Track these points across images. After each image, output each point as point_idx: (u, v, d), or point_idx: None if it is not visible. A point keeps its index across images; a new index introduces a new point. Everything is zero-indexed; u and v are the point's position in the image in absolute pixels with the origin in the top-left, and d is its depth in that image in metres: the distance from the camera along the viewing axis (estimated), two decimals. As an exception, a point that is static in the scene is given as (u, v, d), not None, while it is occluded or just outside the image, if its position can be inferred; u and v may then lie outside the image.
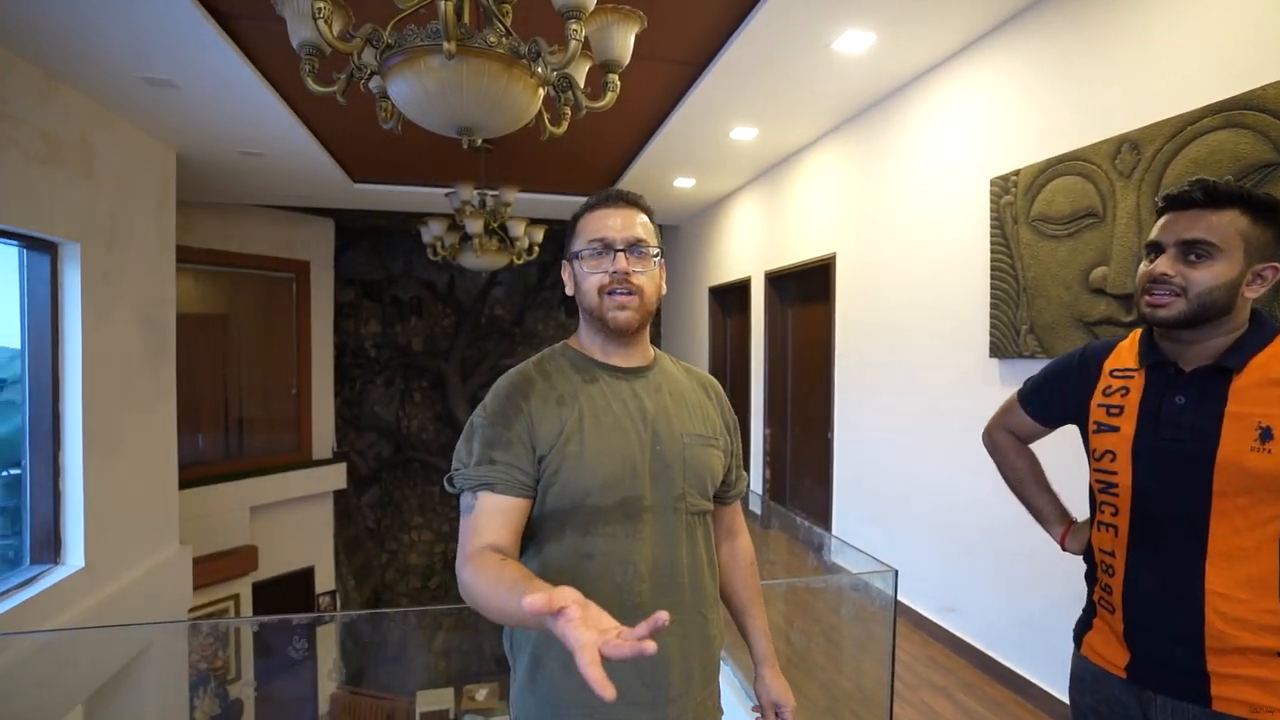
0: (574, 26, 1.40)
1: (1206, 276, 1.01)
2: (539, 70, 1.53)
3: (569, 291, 1.10)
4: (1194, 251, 1.02)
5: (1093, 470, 1.16)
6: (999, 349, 2.71)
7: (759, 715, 1.21)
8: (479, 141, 1.93)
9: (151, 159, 4.01)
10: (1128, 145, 2.13)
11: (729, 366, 6.01)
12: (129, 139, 3.75)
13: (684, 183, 5.32)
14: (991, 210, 2.75)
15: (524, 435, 1.01)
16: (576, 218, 1.10)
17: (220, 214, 6.02)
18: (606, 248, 1.04)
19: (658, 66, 3.25)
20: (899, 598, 3.34)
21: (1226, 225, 1.00)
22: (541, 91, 1.64)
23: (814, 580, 2.94)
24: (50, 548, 3.30)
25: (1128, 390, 1.12)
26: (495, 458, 1.00)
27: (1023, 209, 2.59)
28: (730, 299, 5.94)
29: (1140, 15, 2.16)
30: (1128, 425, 1.10)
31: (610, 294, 1.03)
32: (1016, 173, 2.61)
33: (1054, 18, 2.49)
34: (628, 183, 5.23)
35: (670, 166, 4.89)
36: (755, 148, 4.41)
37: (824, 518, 4.16)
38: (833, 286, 4.04)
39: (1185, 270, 1.02)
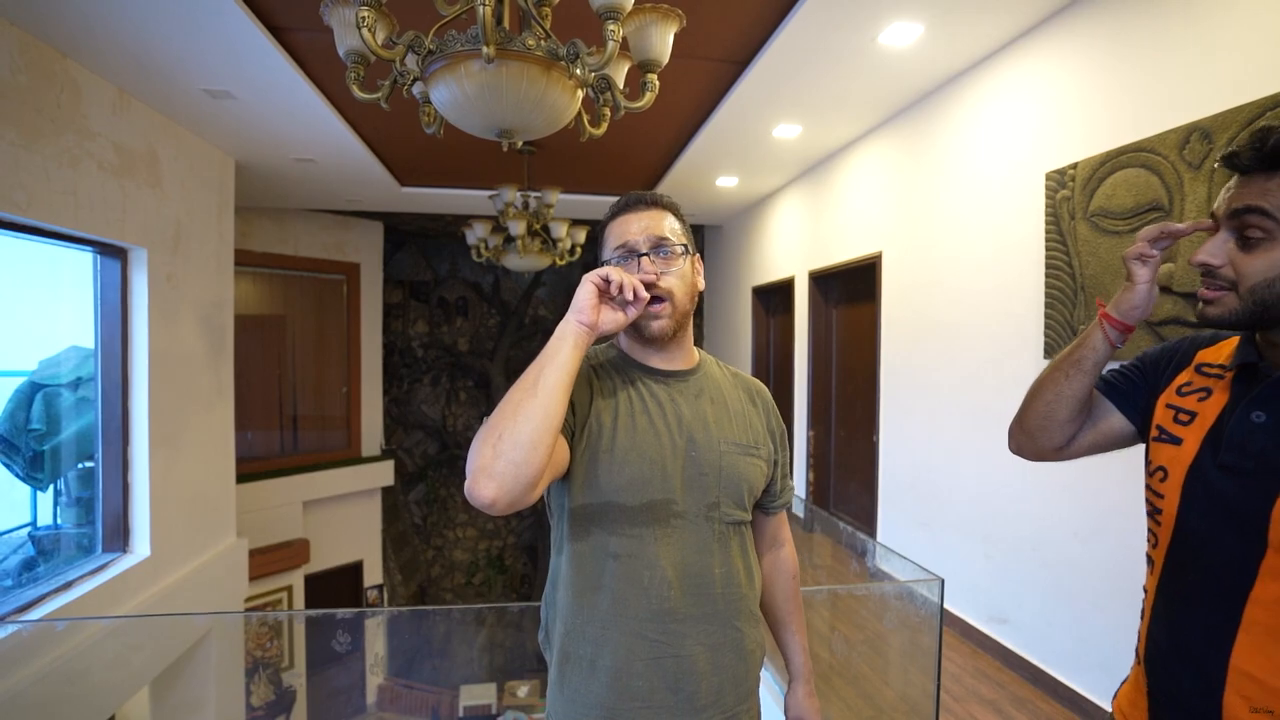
0: (612, 27, 1.40)
1: (1261, 265, 0.78)
2: (577, 72, 1.53)
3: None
4: (1248, 228, 0.78)
5: (1146, 486, 0.94)
6: (1054, 350, 2.60)
7: None
8: (520, 144, 1.96)
9: (212, 167, 4.19)
10: (1198, 134, 2.01)
11: (772, 367, 5.94)
12: (192, 149, 3.93)
13: (726, 182, 5.28)
14: (1047, 205, 2.64)
15: (569, 398, 0.96)
16: (605, 223, 1.10)
17: (275, 219, 6.26)
18: (630, 253, 1.03)
19: (699, 65, 3.23)
20: (946, 606, 3.24)
21: None
22: (580, 93, 1.64)
23: (856, 588, 2.87)
24: (120, 537, 3.48)
25: (1208, 394, 0.87)
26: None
27: (1080, 203, 2.48)
28: (774, 299, 5.87)
29: (1210, -3, 2.04)
30: (1192, 440, 0.86)
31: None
32: (1074, 166, 2.50)
33: (1112, 2, 2.37)
34: (669, 182, 5.22)
35: (712, 166, 4.86)
36: (798, 145, 4.34)
37: (869, 522, 4.06)
38: (878, 286, 3.95)
39: (1237, 256, 0.80)
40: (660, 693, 0.99)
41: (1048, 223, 2.64)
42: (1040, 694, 2.59)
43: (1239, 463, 0.80)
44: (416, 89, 1.74)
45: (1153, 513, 0.91)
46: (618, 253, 1.04)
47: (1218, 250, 0.82)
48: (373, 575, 7.20)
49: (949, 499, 3.30)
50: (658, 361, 1.09)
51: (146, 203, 3.50)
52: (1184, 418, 0.88)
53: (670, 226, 1.05)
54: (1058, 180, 2.58)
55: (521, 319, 8.49)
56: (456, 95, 1.53)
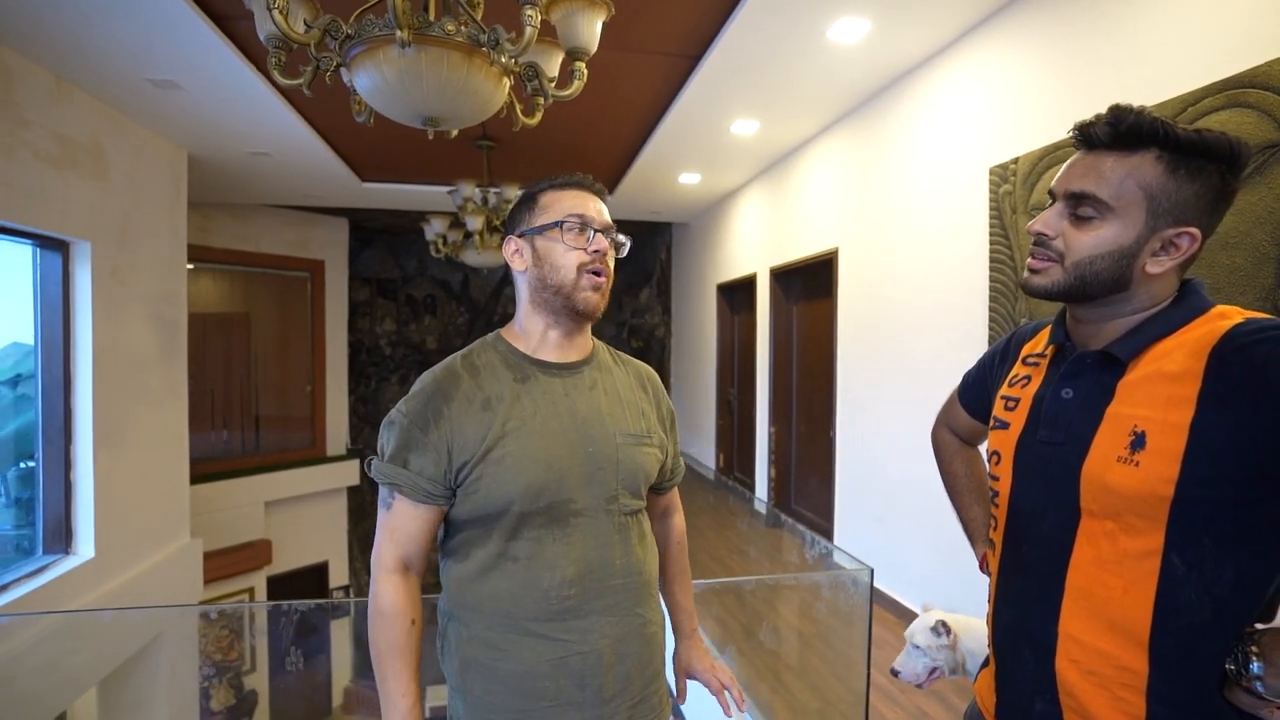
0: (529, 13, 1.39)
1: (1088, 241, 0.79)
2: (501, 59, 1.52)
3: (518, 267, 1.06)
4: (1081, 208, 0.80)
5: (988, 474, 0.98)
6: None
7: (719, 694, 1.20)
8: (453, 133, 1.94)
9: (162, 159, 4.10)
10: (1123, 130, 2.05)
11: (736, 364, 5.97)
12: (139, 140, 3.84)
13: (689, 179, 5.29)
14: (990, 200, 2.68)
15: (440, 443, 0.99)
16: (537, 193, 1.07)
17: (237, 215, 6.14)
18: (587, 224, 1.03)
19: (652, 59, 3.23)
20: (897, 598, 3.28)
21: (1124, 176, 0.76)
22: (506, 81, 1.63)
23: (785, 577, 2.89)
24: (61, 538, 3.39)
25: (1029, 380, 0.92)
26: (409, 461, 0.99)
27: (1022, 198, 2.52)
28: (737, 296, 5.90)
29: (1138, -5, 2.08)
30: (1017, 422, 0.89)
31: (588, 272, 1.03)
32: (1015, 160, 2.54)
33: (1050, 1, 2.41)
34: (632, 178, 5.21)
35: (674, 162, 4.87)
36: (758, 142, 4.36)
37: (827, 517, 4.10)
38: (835, 282, 3.98)
39: (1069, 230, 0.81)
40: (568, 690, 0.99)
41: (991, 217, 2.68)
42: (984, 682, 2.63)
43: (1053, 437, 0.84)
44: (346, 78, 1.71)
45: (993, 497, 0.94)
46: (572, 221, 1.03)
47: (1053, 222, 0.83)
48: (338, 576, 7.10)
49: (901, 492, 3.33)
50: (551, 355, 1.07)
51: (90, 195, 3.42)
52: (1011, 404, 0.93)
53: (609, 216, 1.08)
54: (1000, 175, 2.62)
55: (491, 316, 8.44)
56: (378, 82, 1.51)
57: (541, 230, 1.03)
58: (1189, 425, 0.72)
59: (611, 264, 1.06)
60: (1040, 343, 0.95)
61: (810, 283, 4.54)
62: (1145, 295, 0.81)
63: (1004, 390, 0.96)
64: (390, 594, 0.98)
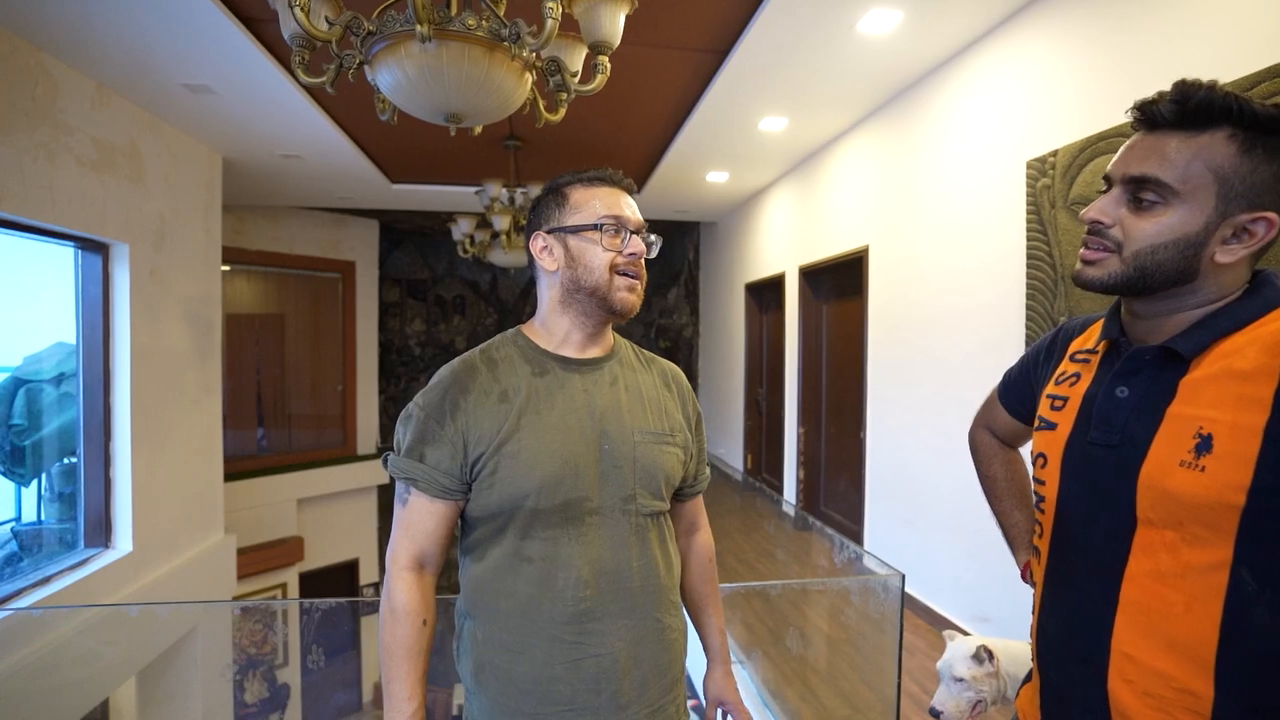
0: (550, 6, 1.37)
1: (1150, 229, 0.73)
2: (522, 53, 1.50)
3: (549, 266, 1.02)
4: (1142, 192, 0.73)
5: (1032, 478, 0.92)
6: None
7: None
8: (477, 130, 1.93)
9: (198, 162, 4.19)
10: (1172, 118, 1.95)
11: (765, 365, 5.89)
12: (175, 144, 3.93)
13: (717, 177, 5.24)
14: (1028, 194, 2.59)
15: (456, 437, 0.97)
16: (565, 188, 1.03)
17: (270, 216, 6.27)
18: (622, 226, 1.01)
19: (678, 55, 3.20)
20: (929, 604, 3.19)
21: (1192, 157, 0.70)
22: (528, 76, 1.61)
23: (812, 582, 2.82)
24: (102, 532, 3.48)
25: (1078, 378, 0.86)
26: (425, 454, 0.98)
27: (1061, 191, 2.42)
28: (766, 295, 5.82)
29: (1188, -23, 1.98)
30: (1065, 422, 0.84)
31: (622, 274, 1.00)
32: (1054, 153, 2.45)
33: (1094, -14, 2.32)
34: (660, 176, 5.18)
35: (701, 160, 4.82)
36: (786, 139, 4.29)
37: (857, 521, 4.01)
38: (865, 280, 3.90)
39: (1127, 218, 0.75)
40: (583, 695, 0.97)
41: (1029, 212, 2.58)
42: (1021, 693, 2.53)
43: (1106, 438, 0.78)
44: (368, 76, 1.72)
45: (1039, 502, 0.89)
46: (608, 221, 1.00)
47: (1109, 209, 0.76)
48: (368, 573, 7.20)
49: (933, 496, 3.24)
50: (572, 351, 1.05)
51: (128, 198, 3.50)
52: (1058, 404, 0.87)
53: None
54: (1038, 168, 2.53)
55: (519, 316, 8.48)
56: (399, 78, 1.50)
57: (576, 230, 1.00)
58: (1263, 428, 0.66)
59: (644, 265, 1.05)
60: (1090, 339, 0.89)
61: (840, 281, 4.46)
62: (1213, 287, 0.74)
63: (1050, 389, 0.91)
64: (403, 592, 0.97)
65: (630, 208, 1.02)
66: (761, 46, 2.99)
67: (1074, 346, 0.92)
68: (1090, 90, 2.34)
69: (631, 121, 4.17)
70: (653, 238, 1.05)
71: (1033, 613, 0.91)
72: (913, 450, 3.44)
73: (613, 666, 0.97)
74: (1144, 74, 2.12)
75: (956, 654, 1.43)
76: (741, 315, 6.13)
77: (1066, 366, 0.90)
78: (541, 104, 1.81)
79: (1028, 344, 2.58)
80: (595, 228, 0.99)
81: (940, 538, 3.19)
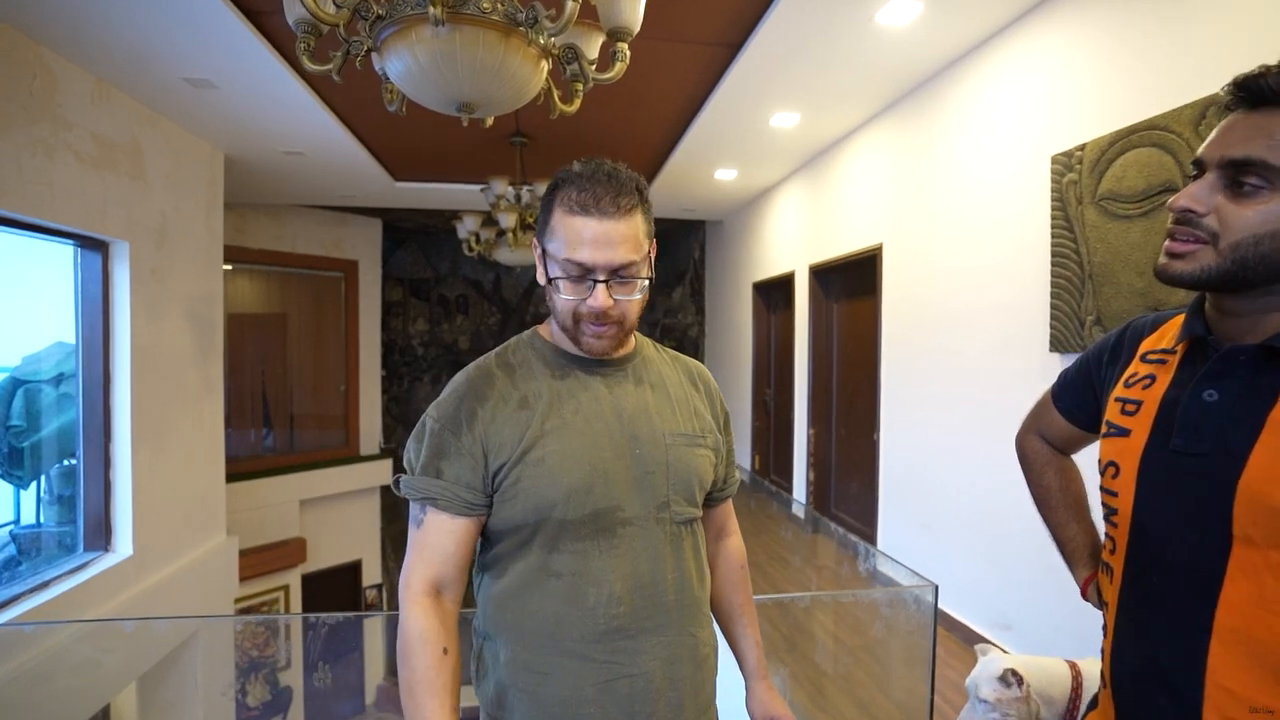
0: (570, -14, 1.29)
1: (1253, 218, 0.66)
2: (539, 40, 1.43)
3: (539, 278, 0.94)
4: (1244, 177, 0.66)
5: (1100, 489, 0.84)
6: (1061, 343, 2.47)
7: None
8: (488, 122, 1.85)
9: (199, 159, 4.12)
10: (1215, 109, 1.87)
11: (773, 365, 5.82)
12: (177, 140, 3.86)
13: (725, 174, 5.17)
14: (1053, 190, 2.51)
15: (475, 447, 0.90)
16: (555, 198, 0.90)
17: (272, 215, 6.20)
18: (585, 273, 0.87)
19: (692, 49, 3.12)
20: (947, 611, 3.11)
21: None
22: (544, 64, 1.54)
23: (842, 594, 2.75)
24: (102, 535, 3.41)
25: (1153, 380, 0.78)
26: (443, 469, 0.90)
27: (1088, 187, 2.35)
28: (774, 295, 5.75)
29: (1226, -38, 1.91)
30: (1140, 429, 0.77)
31: (589, 322, 0.90)
32: (1081, 148, 2.37)
33: (1124, -26, 2.24)
34: (666, 175, 5.11)
35: (710, 157, 4.75)
36: (797, 135, 4.22)
37: (870, 524, 3.94)
38: (879, 279, 3.82)
39: (1225, 205, 0.67)
40: (616, 718, 0.90)
41: (1054, 208, 2.51)
42: (1046, 704, 2.46)
43: (1193, 446, 0.70)
44: (376, 64, 1.65)
45: (1108, 515, 0.82)
46: (568, 268, 0.87)
47: (1203, 195, 0.69)
48: (371, 574, 7.13)
49: (951, 499, 3.17)
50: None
51: (129, 195, 3.44)
52: (1130, 408, 0.80)
53: (635, 242, 0.88)
54: (1064, 163, 2.45)
55: (523, 316, 8.42)
56: (410, 65, 1.43)
57: (545, 259, 0.90)
58: None
59: (626, 307, 0.90)
60: (1165, 338, 0.82)
61: (852, 280, 4.38)
62: None
63: (1119, 392, 0.84)
64: (420, 620, 0.89)
65: (606, 248, 0.86)
66: (777, 39, 2.91)
67: (1145, 346, 0.85)
68: (1119, 83, 2.26)
69: (640, 119, 4.10)
70: (640, 286, 0.90)
71: (1104, 635, 0.83)
72: (929, 452, 3.37)
73: (647, 687, 0.91)
74: (1176, 65, 2.04)
75: (983, 674, 1.36)
76: (749, 315, 6.06)
77: (1138, 368, 0.83)
78: (556, 94, 1.74)
79: (1052, 343, 2.50)
80: (554, 275, 0.89)
81: (958, 542, 3.11)
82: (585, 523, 0.90)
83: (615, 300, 0.89)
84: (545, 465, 0.89)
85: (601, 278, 0.87)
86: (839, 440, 4.63)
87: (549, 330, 1.00)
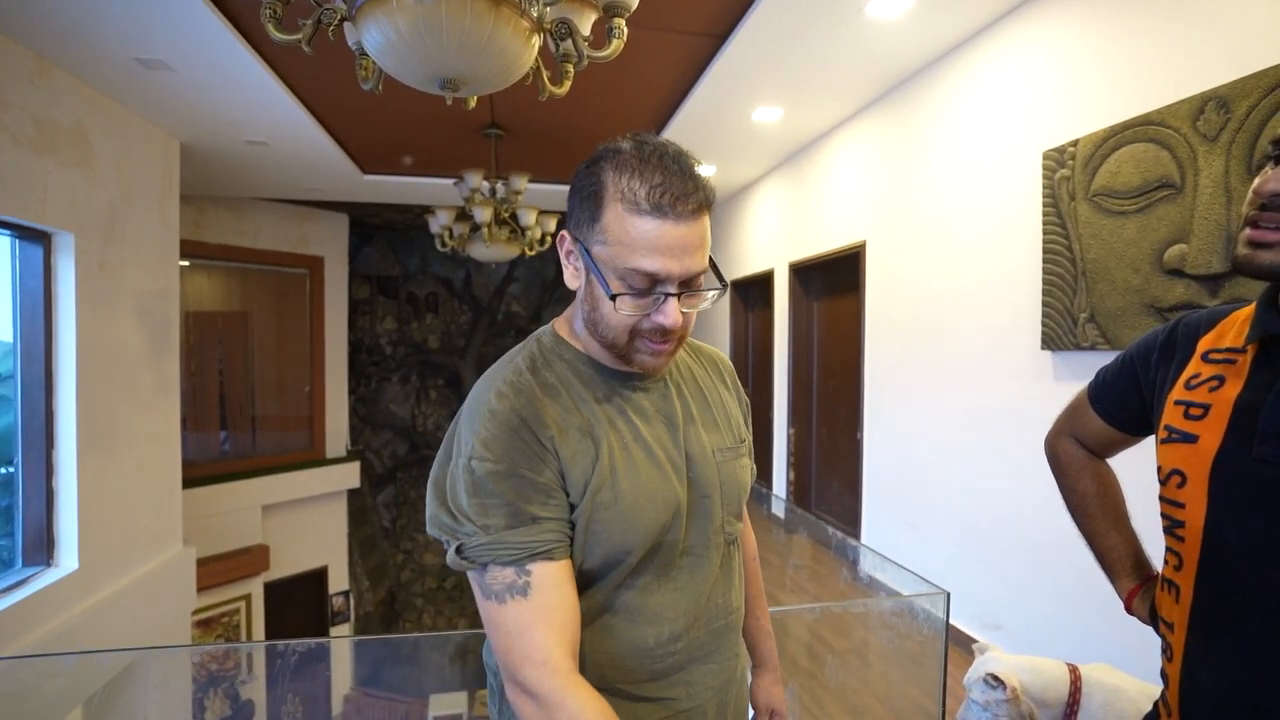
0: (568, -49, 1.19)
1: None
2: (531, 10, 1.32)
3: (569, 280, 0.79)
4: None
5: (1160, 499, 0.78)
6: (1053, 340, 2.44)
7: None
8: (471, 103, 1.73)
9: (152, 147, 3.88)
10: (1214, 104, 1.85)
11: (751, 364, 5.77)
12: (127, 126, 3.62)
13: (704, 170, 5.06)
14: (1044, 186, 2.48)
15: (555, 478, 0.75)
16: (604, 188, 0.74)
17: (233, 208, 5.93)
18: (653, 284, 0.73)
19: (675, 39, 3.03)
20: (935, 612, 3.08)
21: None
22: (535, 40, 1.43)
23: (853, 604, 2.68)
24: (43, 549, 3.18)
25: (1221, 381, 0.73)
26: (538, 514, 0.73)
27: (1081, 183, 2.32)
28: (752, 293, 5.70)
29: (1226, -45, 1.88)
30: (1211, 435, 0.71)
31: (648, 339, 0.76)
32: (1074, 143, 2.34)
33: (1119, -33, 2.21)
34: (645, 171, 5.00)
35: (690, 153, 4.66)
36: (779, 130, 4.16)
37: (853, 523, 3.90)
38: (863, 276, 3.78)
39: None
40: None
41: (1045, 205, 2.48)
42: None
43: (1278, 454, 0.64)
44: (349, 37, 1.51)
45: (1171, 527, 0.76)
46: (636, 278, 0.72)
47: None
48: (338, 581, 6.89)
49: (939, 499, 3.14)
50: (625, 363, 0.84)
51: (74, 183, 3.20)
52: (1196, 412, 0.74)
53: (707, 243, 0.76)
54: (1056, 159, 2.43)
55: (494, 315, 8.24)
56: (390, 35, 1.31)
57: (597, 265, 0.74)
58: None
59: (690, 318, 0.78)
60: (1227, 335, 0.77)
61: (834, 278, 4.34)
62: None
63: (1180, 394, 0.78)
64: (594, 703, 0.68)
65: (683, 256, 0.72)
66: (764, 31, 2.84)
67: (1204, 345, 0.79)
68: (1114, 77, 2.24)
69: (618, 113, 3.99)
70: (709, 295, 0.77)
71: (1166, 657, 0.77)
72: (915, 451, 3.33)
73: (700, 717, 0.85)
74: (1173, 59, 2.02)
75: (972, 676, 1.36)
76: (726, 313, 6.00)
77: (1200, 368, 0.77)
78: (545, 75, 1.63)
79: (1044, 341, 2.47)
80: (619, 289, 0.73)
81: (946, 542, 3.08)
82: (646, 558, 0.80)
83: (684, 314, 0.75)
84: (619, 508, 0.76)
85: (673, 290, 0.73)
86: (820, 440, 4.59)
87: (571, 333, 0.84)
